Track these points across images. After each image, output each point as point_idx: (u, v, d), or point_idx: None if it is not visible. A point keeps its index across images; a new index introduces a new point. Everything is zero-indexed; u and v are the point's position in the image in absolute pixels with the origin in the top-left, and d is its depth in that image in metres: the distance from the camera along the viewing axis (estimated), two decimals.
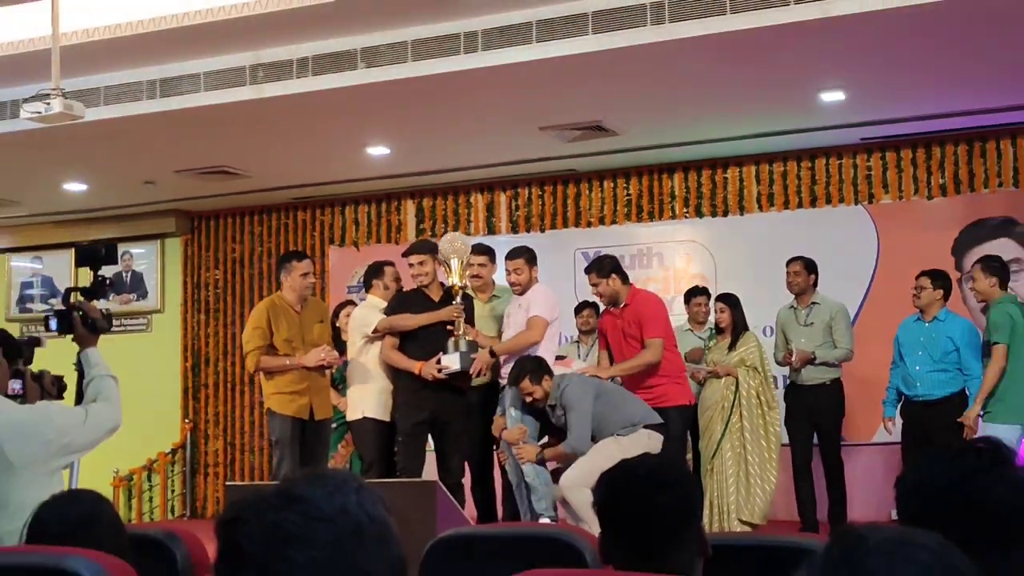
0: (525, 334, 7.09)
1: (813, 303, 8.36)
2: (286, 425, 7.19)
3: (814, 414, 8.28)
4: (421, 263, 7.16)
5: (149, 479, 12.02)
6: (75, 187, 11.25)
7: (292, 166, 10.62)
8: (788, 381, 8.61)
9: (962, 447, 1.89)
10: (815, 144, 10.04)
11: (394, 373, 7.17)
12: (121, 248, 12.58)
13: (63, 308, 4.15)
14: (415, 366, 6.96)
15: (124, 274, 12.56)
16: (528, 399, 6.81)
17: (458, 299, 7.04)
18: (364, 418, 7.25)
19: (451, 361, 6.93)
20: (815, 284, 8.42)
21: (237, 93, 8.42)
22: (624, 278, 7.41)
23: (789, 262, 8.50)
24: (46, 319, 4.16)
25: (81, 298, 4.20)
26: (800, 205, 10.27)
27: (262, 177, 10.96)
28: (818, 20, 7.04)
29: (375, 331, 7.18)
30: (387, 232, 11.67)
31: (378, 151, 10.16)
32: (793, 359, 8.19)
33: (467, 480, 7.43)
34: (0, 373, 3.71)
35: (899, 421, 8.04)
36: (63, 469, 3.78)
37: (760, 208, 10.41)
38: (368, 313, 7.39)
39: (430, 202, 11.47)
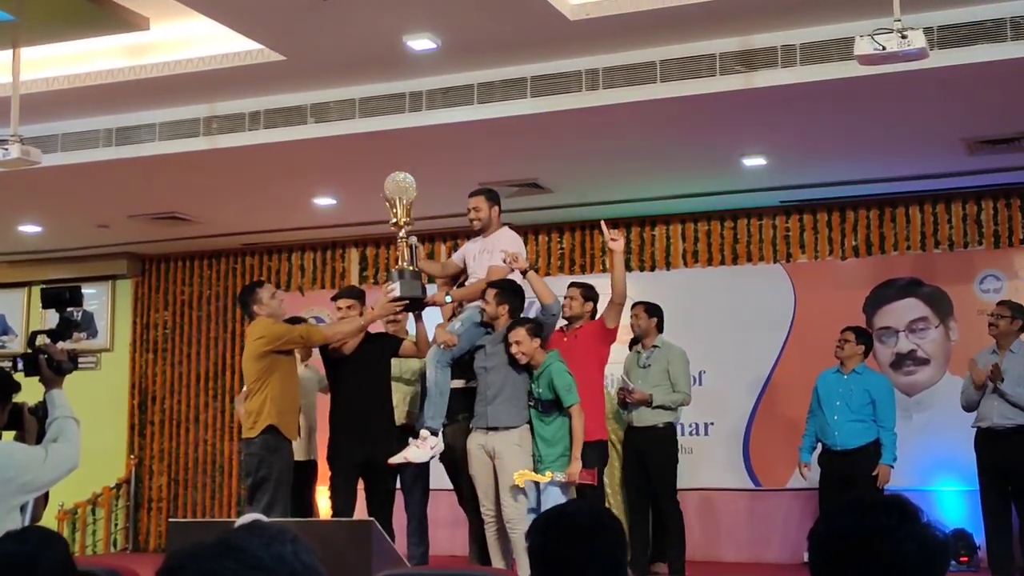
0: (484, 281, 6.78)
1: (654, 347, 8.10)
2: (285, 457, 6.78)
3: (644, 457, 7.93)
4: (349, 307, 7.12)
5: (93, 513, 11.78)
6: (30, 229, 11.09)
7: (242, 214, 10.56)
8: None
9: (871, 502, 1.89)
10: (737, 205, 10.16)
11: (331, 416, 7.05)
12: None
13: (29, 351, 4.08)
14: (361, 321, 6.87)
15: (75, 313, 12.34)
16: (486, 308, 6.59)
17: (402, 234, 6.76)
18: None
19: (392, 288, 6.74)
20: (659, 327, 8.13)
21: (191, 143, 8.38)
22: (594, 311, 7.15)
23: (632, 306, 8.18)
24: (13, 360, 4.07)
25: (47, 341, 4.13)
26: (723, 262, 10.36)
27: (213, 223, 10.87)
28: (741, 91, 7.16)
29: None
30: (331, 278, 11.61)
31: (325, 201, 10.13)
32: (634, 395, 7.87)
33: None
34: None
35: (816, 468, 8.08)
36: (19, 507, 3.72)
37: (685, 264, 10.49)
38: None
39: (373, 251, 11.45)
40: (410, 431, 7.13)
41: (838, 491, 7.67)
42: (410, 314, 7.03)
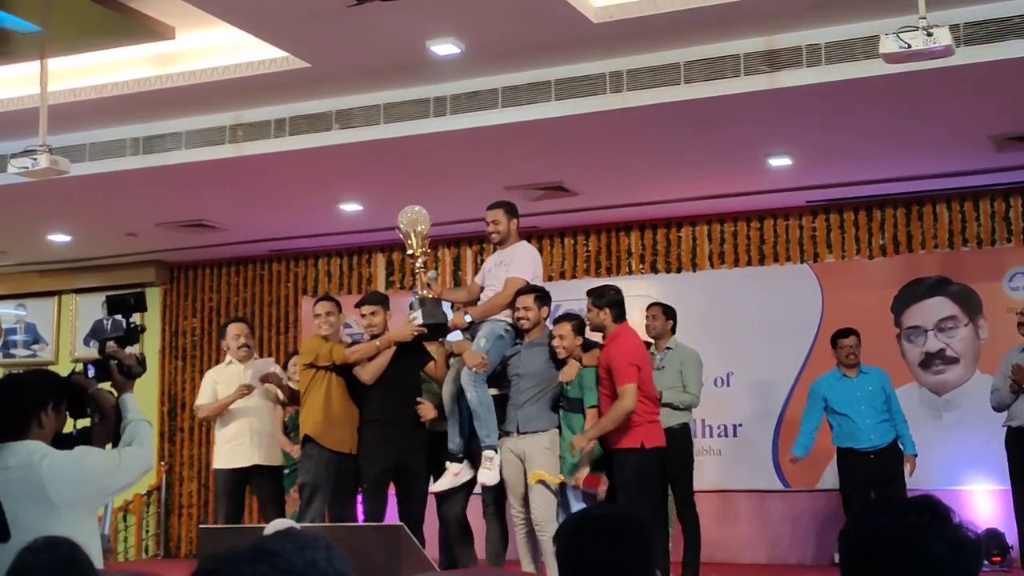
0: (503, 295, 6.74)
1: (668, 348, 7.95)
2: (321, 464, 6.98)
3: (662, 459, 7.37)
4: (373, 313, 7.12)
5: (125, 519, 11.86)
6: (59, 238, 11.18)
7: (268, 220, 10.60)
8: None
9: (902, 502, 1.89)
10: (763, 206, 10.13)
11: (361, 423, 7.08)
12: (102, 296, 12.48)
13: (100, 358, 4.19)
14: (377, 343, 6.92)
15: (105, 321, 12.45)
16: (521, 315, 6.59)
17: (419, 264, 6.84)
18: (213, 469, 7.86)
19: (415, 316, 6.81)
20: (673, 330, 8.01)
21: (218, 151, 8.43)
22: (617, 316, 6.74)
23: (648, 307, 8.12)
24: (85, 367, 4.20)
25: (115, 346, 4.24)
26: (749, 263, 10.34)
27: (239, 230, 10.93)
28: (766, 91, 7.14)
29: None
30: (358, 284, 11.65)
31: (351, 207, 10.17)
32: None
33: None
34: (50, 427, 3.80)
35: (833, 469, 8.09)
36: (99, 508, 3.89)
37: (712, 266, 10.47)
38: (207, 374, 8.07)
39: (399, 256, 11.46)
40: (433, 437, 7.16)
41: (867, 490, 7.64)
42: None
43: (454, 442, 6.76)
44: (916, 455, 7.78)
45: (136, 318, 4.45)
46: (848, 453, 7.92)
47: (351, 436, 7.04)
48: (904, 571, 1.77)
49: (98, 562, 3.67)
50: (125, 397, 4.08)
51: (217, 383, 7.87)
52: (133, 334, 4.35)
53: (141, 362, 4.19)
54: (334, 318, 7.19)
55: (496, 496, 6.83)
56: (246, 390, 7.65)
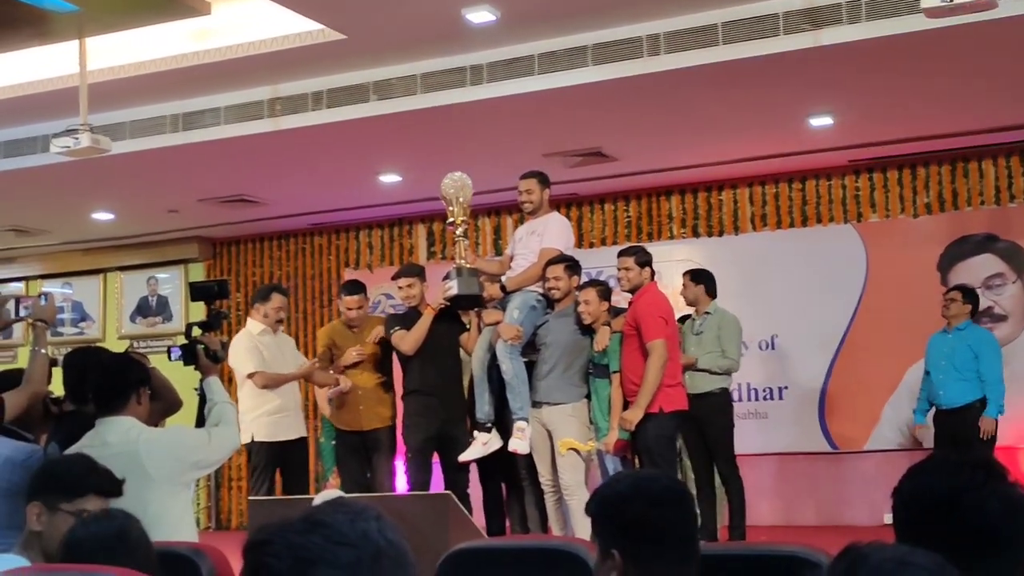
0: (538, 265, 6.76)
1: (707, 313, 7.81)
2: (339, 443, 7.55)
3: (701, 423, 7.50)
4: (409, 285, 7.17)
5: None
6: (103, 216, 11.27)
7: (308, 194, 10.64)
8: None
9: (957, 460, 1.87)
10: (805, 167, 10.03)
11: (403, 394, 7.14)
12: (146, 273, 12.60)
13: (187, 342, 4.42)
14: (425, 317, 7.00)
15: (150, 298, 12.56)
16: (552, 285, 6.63)
17: (459, 232, 6.84)
18: (253, 440, 7.40)
19: (450, 286, 6.83)
20: (710, 293, 7.84)
21: (256, 125, 8.46)
22: (652, 274, 6.79)
23: (684, 274, 8.03)
24: (168, 350, 4.51)
25: (200, 332, 4.47)
26: (792, 225, 10.25)
27: (280, 204, 10.97)
28: (806, 50, 7.06)
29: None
30: (399, 255, 11.67)
31: (390, 178, 10.18)
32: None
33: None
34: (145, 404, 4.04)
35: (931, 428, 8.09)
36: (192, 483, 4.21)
37: (754, 228, 10.40)
38: (245, 339, 7.52)
39: (440, 226, 11.45)
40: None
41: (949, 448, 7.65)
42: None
43: (482, 411, 6.78)
44: (996, 419, 7.68)
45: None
46: (935, 410, 7.99)
47: (352, 416, 7.37)
48: (959, 529, 1.76)
49: (192, 533, 3.85)
50: (210, 380, 4.31)
51: (263, 350, 7.67)
52: (217, 320, 4.63)
53: (224, 347, 4.44)
54: (361, 311, 7.49)
55: (529, 466, 6.87)
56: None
